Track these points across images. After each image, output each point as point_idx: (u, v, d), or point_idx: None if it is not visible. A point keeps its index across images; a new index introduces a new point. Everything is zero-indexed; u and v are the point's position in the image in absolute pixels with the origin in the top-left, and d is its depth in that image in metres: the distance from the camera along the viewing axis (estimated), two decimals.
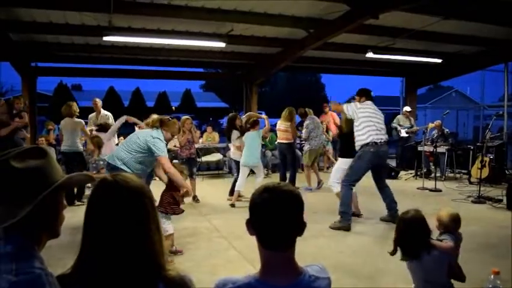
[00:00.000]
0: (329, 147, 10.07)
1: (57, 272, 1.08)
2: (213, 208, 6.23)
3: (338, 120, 7.28)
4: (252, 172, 6.89)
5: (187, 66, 11.68)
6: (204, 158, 9.70)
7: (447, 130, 9.45)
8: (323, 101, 16.31)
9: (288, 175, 7.56)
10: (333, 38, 7.92)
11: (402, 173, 9.35)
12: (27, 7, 6.46)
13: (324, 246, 4.32)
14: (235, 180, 6.64)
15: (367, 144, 4.94)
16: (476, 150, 8.52)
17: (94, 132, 6.71)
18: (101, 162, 5.01)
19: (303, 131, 7.70)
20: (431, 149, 8.58)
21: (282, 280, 1.19)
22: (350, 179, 5.00)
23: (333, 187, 5.43)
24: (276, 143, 8.58)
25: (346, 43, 9.04)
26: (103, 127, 6.60)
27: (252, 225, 1.22)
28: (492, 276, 2.18)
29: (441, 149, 8.75)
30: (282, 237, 1.19)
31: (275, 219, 1.18)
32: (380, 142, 4.97)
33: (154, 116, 4.53)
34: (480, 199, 6.37)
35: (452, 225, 2.56)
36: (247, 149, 6.48)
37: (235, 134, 6.81)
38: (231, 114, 7.36)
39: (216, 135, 10.34)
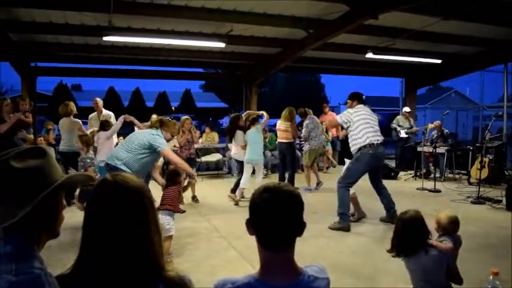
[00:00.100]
0: (329, 148, 10.10)
1: (57, 272, 1.09)
2: (212, 208, 6.22)
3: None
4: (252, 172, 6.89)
5: (187, 67, 11.68)
6: (204, 158, 9.70)
7: (446, 131, 9.46)
8: (323, 101, 16.33)
9: (287, 175, 7.56)
10: (333, 38, 7.92)
11: (401, 173, 9.35)
12: (27, 7, 6.46)
13: (324, 246, 4.32)
14: (239, 180, 6.64)
15: (365, 146, 4.93)
16: (476, 151, 8.51)
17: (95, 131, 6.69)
18: (88, 161, 4.97)
19: (303, 130, 7.69)
20: (431, 149, 8.58)
21: (282, 280, 1.19)
22: (347, 181, 4.99)
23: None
24: (276, 143, 8.58)
25: (346, 43, 9.04)
26: (103, 125, 6.55)
27: (252, 225, 1.22)
28: (491, 276, 2.18)
29: (441, 149, 8.75)
30: (281, 237, 1.19)
31: (275, 219, 1.18)
32: (377, 143, 4.97)
33: (154, 117, 4.57)
34: (479, 200, 6.37)
35: (450, 228, 2.57)
36: (249, 146, 6.51)
37: (239, 134, 6.80)
38: (233, 115, 7.33)
39: (216, 135, 10.33)
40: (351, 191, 5.13)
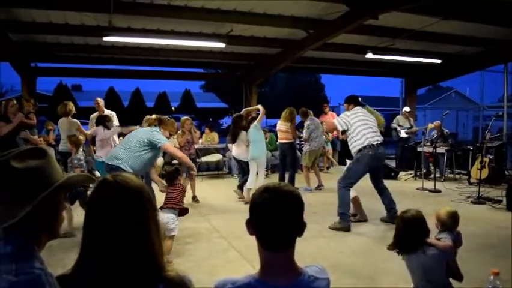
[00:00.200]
0: (329, 148, 10.10)
1: (57, 272, 1.09)
2: (212, 208, 6.22)
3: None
4: None
5: (187, 67, 11.70)
6: (204, 159, 9.70)
7: (446, 131, 9.45)
8: (323, 101, 16.31)
9: (287, 175, 7.55)
10: (333, 38, 7.93)
11: (401, 173, 9.35)
12: (26, 7, 6.46)
13: (324, 246, 4.32)
14: (245, 180, 6.63)
15: (365, 147, 4.94)
16: (476, 151, 8.51)
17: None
18: (75, 162, 4.94)
19: (304, 131, 7.67)
20: (431, 149, 8.57)
21: (282, 280, 1.19)
22: (347, 181, 4.99)
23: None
24: (276, 143, 8.57)
25: (346, 43, 9.05)
26: (102, 120, 6.38)
27: (252, 225, 1.22)
28: (492, 276, 2.18)
29: (441, 149, 8.75)
30: (282, 237, 1.19)
31: (275, 219, 1.18)
32: (377, 143, 4.97)
33: (153, 116, 4.60)
34: (480, 200, 6.37)
35: (450, 222, 2.57)
36: (252, 144, 6.51)
37: (243, 134, 6.78)
38: (235, 115, 7.29)
39: (215, 136, 10.33)
40: (354, 193, 5.14)
